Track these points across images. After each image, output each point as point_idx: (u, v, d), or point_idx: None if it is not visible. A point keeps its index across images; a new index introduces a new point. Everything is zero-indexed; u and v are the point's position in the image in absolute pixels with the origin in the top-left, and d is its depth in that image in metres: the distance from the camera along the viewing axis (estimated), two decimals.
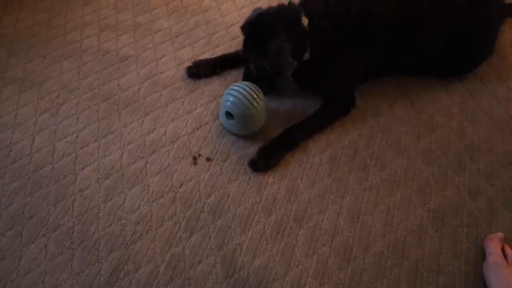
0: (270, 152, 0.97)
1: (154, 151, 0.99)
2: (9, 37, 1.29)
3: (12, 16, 1.35)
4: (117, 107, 1.09)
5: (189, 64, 1.15)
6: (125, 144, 1.01)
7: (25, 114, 1.08)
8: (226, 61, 1.16)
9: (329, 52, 0.97)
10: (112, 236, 0.86)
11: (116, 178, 0.95)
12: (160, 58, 1.20)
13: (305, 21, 0.93)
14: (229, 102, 0.94)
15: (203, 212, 0.90)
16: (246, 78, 1.03)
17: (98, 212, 0.90)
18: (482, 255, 0.82)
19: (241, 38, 1.01)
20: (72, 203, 0.91)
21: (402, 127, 1.03)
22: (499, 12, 1.10)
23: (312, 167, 0.96)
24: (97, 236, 0.86)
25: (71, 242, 0.85)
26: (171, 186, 0.94)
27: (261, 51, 0.94)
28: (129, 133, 1.03)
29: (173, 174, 0.95)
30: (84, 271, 0.82)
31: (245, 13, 1.08)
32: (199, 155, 0.99)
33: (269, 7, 0.98)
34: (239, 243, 0.85)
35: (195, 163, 0.97)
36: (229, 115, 0.97)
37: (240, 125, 0.97)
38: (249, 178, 0.95)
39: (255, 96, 0.94)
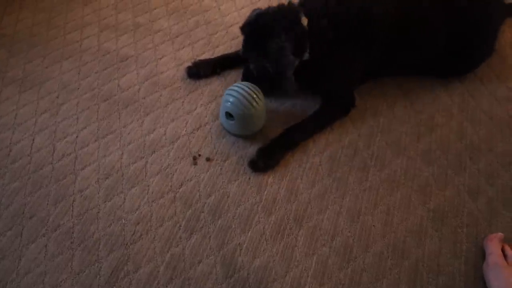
0: (270, 152, 0.97)
1: (154, 151, 1.00)
2: (9, 37, 1.29)
3: (12, 16, 1.35)
4: (117, 107, 1.09)
5: (189, 64, 1.15)
6: (125, 144, 1.01)
7: (25, 114, 1.08)
8: (226, 61, 1.16)
9: (329, 52, 0.97)
10: (112, 236, 0.86)
11: (116, 178, 0.95)
12: (160, 58, 1.20)
13: (304, 21, 0.93)
14: (229, 103, 0.94)
15: (203, 212, 0.90)
16: (245, 78, 1.03)
17: (98, 212, 0.90)
18: (482, 255, 0.82)
19: (241, 38, 1.01)
20: (72, 203, 0.91)
21: (402, 127, 1.03)
22: (499, 12, 1.10)
23: (312, 167, 0.96)
24: (97, 236, 0.86)
25: (71, 242, 0.85)
26: (171, 186, 0.94)
27: (261, 51, 0.94)
28: (129, 133, 1.03)
29: (173, 174, 0.95)
30: (84, 271, 0.82)
31: (245, 13, 1.08)
32: (199, 155, 0.99)
33: (269, 7, 0.97)
34: (239, 243, 0.85)
35: (195, 163, 0.97)
36: (229, 115, 0.97)
37: (240, 125, 0.97)
38: (249, 178, 0.95)
39: (255, 96, 0.94)
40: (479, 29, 1.04)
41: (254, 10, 1.00)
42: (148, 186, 0.94)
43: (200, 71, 1.14)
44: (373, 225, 0.87)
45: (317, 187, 0.93)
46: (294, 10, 0.95)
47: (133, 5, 1.37)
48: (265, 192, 0.92)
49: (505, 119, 1.04)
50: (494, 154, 0.98)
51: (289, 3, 0.97)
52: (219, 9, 1.35)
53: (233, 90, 0.94)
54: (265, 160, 0.95)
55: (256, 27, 0.95)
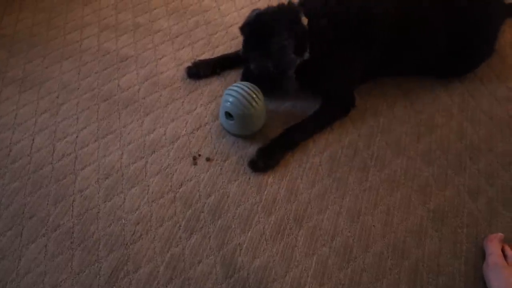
0: (270, 152, 0.97)
1: (154, 151, 1.00)
2: (9, 37, 1.29)
3: (12, 16, 1.35)
4: (117, 107, 1.09)
5: (189, 64, 1.15)
6: (125, 144, 1.01)
7: (25, 114, 1.08)
8: (226, 61, 1.16)
9: (329, 52, 0.97)
10: (112, 236, 0.86)
11: (116, 178, 0.95)
12: (160, 59, 1.20)
13: (304, 20, 0.93)
14: (228, 103, 0.94)
15: (203, 212, 0.90)
16: (245, 78, 1.03)
17: (98, 212, 0.90)
18: (482, 255, 0.82)
19: (241, 38, 1.01)
20: (72, 203, 0.91)
21: (402, 127, 1.03)
22: (499, 12, 1.10)
23: (312, 167, 0.96)
24: (97, 236, 0.86)
25: (71, 242, 0.85)
26: (171, 186, 0.94)
27: (263, 50, 0.94)
28: (129, 133, 1.03)
29: (173, 174, 0.95)
30: (84, 271, 0.82)
31: (245, 14, 1.08)
32: (199, 155, 0.99)
33: (268, 7, 0.98)
34: (239, 243, 0.85)
35: (195, 163, 0.97)
36: (228, 115, 0.97)
37: (240, 125, 0.97)
38: (249, 178, 0.95)
39: (254, 96, 0.94)
40: (479, 29, 1.04)
41: (254, 10, 1.00)
42: (148, 186, 0.94)
43: (200, 71, 1.14)
44: (373, 225, 0.87)
45: (317, 187, 0.93)
46: (294, 9, 0.95)
47: (133, 5, 1.37)
48: (265, 192, 0.92)
49: (505, 119, 1.04)
50: (494, 154, 0.98)
51: (289, 3, 0.97)
52: (219, 9, 1.35)
53: (232, 90, 0.94)
54: (265, 160, 0.95)
55: (256, 27, 0.96)
